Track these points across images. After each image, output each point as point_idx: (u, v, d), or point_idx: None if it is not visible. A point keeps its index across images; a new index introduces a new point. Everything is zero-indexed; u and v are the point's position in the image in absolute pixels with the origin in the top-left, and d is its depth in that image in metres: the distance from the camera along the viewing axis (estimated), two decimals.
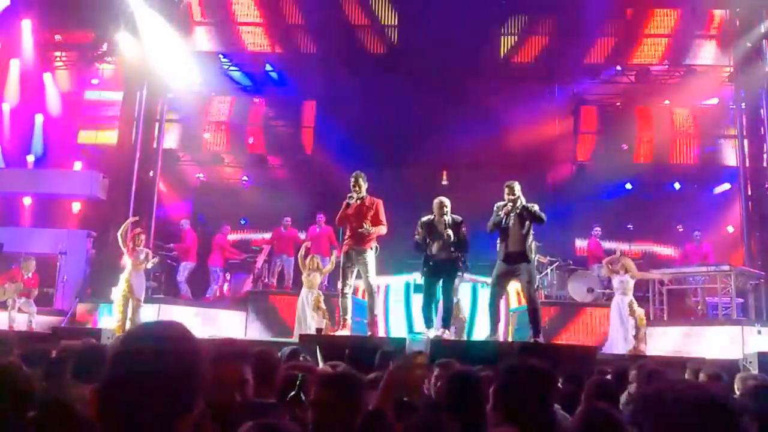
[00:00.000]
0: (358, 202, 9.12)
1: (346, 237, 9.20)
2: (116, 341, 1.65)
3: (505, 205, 8.97)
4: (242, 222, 17.04)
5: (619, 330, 11.20)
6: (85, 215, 15.25)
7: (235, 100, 16.64)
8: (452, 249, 9.00)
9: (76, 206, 15.40)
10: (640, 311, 11.17)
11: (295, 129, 16.90)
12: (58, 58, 16.49)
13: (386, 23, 15.09)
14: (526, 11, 13.97)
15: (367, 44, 15.23)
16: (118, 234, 11.28)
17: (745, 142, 14.63)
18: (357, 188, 9.10)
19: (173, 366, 1.50)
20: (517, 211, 8.89)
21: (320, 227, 14.83)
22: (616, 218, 16.01)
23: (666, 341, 12.04)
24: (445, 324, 9.19)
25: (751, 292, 13.25)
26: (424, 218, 9.19)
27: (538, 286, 10.46)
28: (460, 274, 9.44)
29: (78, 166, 15.77)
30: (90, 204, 15.20)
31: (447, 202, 9.19)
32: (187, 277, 14.67)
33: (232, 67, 16.36)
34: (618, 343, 11.15)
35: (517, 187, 8.97)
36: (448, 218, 9.08)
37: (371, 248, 9.16)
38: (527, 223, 8.87)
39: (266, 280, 15.00)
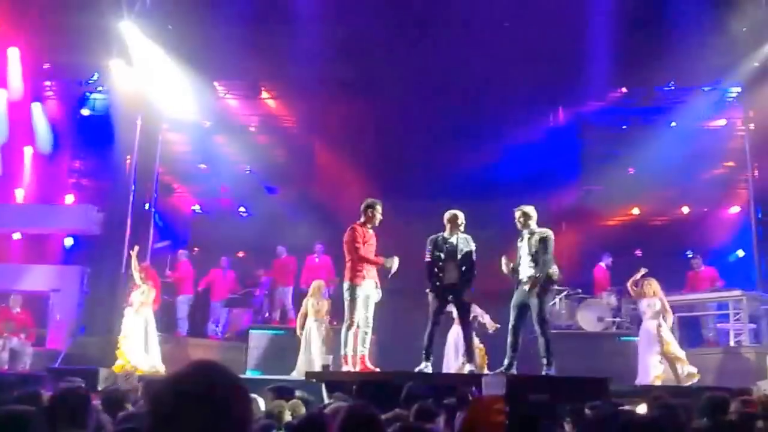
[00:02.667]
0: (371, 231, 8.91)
1: (362, 267, 8.76)
2: (156, 393, 1.52)
3: (520, 238, 8.78)
4: (240, 255, 16.60)
5: (645, 358, 10.88)
6: (79, 250, 14.77)
7: (230, 129, 16.27)
8: (465, 271, 8.67)
9: (69, 241, 14.90)
10: (667, 337, 10.82)
11: (293, 158, 16.55)
12: (47, 88, 16.01)
13: (387, 50, 14.74)
14: (529, 32, 13.73)
15: (365, 71, 14.91)
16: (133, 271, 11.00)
17: (755, 164, 14.42)
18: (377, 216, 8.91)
19: (231, 411, 1.43)
20: (528, 236, 8.71)
21: (319, 257, 14.56)
22: (623, 244, 15.72)
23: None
24: (470, 357, 8.89)
25: (764, 317, 13.01)
26: (434, 236, 8.86)
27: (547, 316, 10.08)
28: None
29: (70, 199, 15.27)
30: (83, 239, 14.71)
31: (461, 215, 8.86)
32: (187, 312, 14.27)
33: (227, 95, 16.01)
34: (645, 373, 10.80)
35: (527, 210, 8.82)
36: (461, 236, 8.78)
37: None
38: (536, 249, 8.62)
39: (267, 314, 14.63)
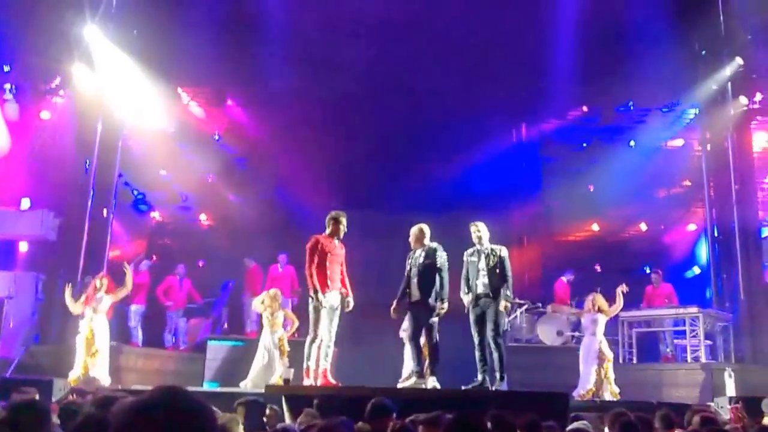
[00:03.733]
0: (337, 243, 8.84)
1: (331, 279, 8.65)
2: (119, 421, 1.47)
3: (473, 253, 8.79)
4: (200, 264, 16.36)
5: (583, 371, 10.88)
6: (34, 256, 14.33)
7: (194, 136, 16.07)
8: (425, 287, 8.57)
9: (24, 247, 14.48)
10: (608, 353, 10.80)
11: (256, 167, 16.41)
12: (6, 91, 15.65)
13: (352, 62, 14.74)
14: (494, 51, 13.88)
15: (331, 82, 14.90)
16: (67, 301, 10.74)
17: (711, 183, 14.67)
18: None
19: None
20: (486, 252, 8.72)
21: (282, 267, 14.43)
22: (582, 259, 15.90)
23: (635, 385, 11.81)
24: (432, 371, 8.73)
25: (720, 334, 13.21)
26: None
27: (506, 330, 10.13)
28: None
29: (26, 204, 14.88)
30: (39, 245, 14.32)
31: (424, 229, 8.82)
32: (140, 322, 13.98)
33: (191, 102, 15.83)
34: (582, 386, 10.81)
35: (482, 226, 8.86)
36: (424, 251, 8.71)
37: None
38: (492, 263, 8.67)
39: (225, 326, 14.45)
